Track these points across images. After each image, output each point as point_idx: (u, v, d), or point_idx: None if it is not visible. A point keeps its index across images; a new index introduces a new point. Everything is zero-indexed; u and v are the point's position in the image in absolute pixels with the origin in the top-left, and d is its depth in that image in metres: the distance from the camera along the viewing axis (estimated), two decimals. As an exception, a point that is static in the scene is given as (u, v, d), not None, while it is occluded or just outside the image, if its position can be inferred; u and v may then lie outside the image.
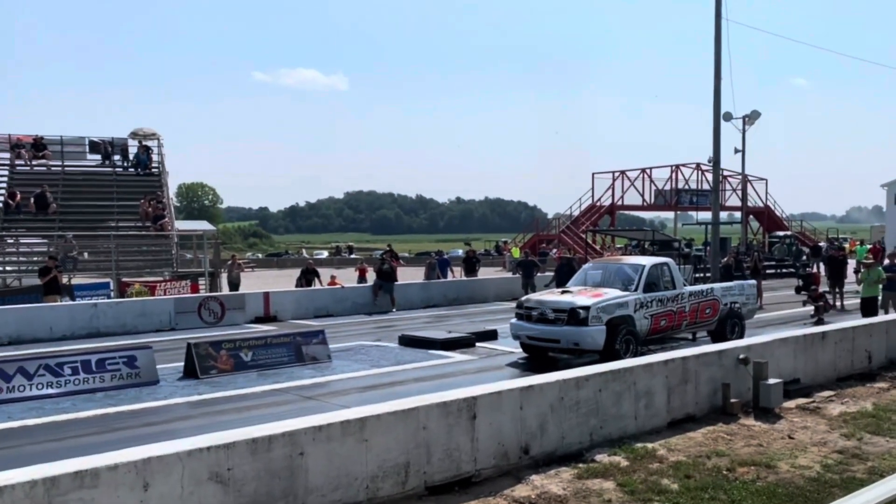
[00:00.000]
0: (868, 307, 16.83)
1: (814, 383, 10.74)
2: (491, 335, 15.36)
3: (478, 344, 14.62)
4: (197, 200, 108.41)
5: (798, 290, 22.56)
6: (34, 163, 27.42)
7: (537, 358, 13.20)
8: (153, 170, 28.99)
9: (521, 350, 13.66)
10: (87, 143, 28.91)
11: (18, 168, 26.91)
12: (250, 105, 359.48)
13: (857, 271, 20.16)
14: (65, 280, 19.98)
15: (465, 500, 6.42)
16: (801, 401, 9.94)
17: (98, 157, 28.78)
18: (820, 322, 16.68)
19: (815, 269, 28.18)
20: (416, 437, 6.51)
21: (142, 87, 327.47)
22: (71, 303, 18.42)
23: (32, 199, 24.42)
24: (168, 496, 5.16)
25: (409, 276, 27.97)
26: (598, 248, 39.37)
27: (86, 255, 23.50)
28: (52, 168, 27.70)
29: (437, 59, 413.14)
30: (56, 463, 4.93)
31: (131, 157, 29.10)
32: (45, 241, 23.23)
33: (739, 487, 6.67)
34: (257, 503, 5.59)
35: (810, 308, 18.46)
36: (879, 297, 17.17)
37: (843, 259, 22.09)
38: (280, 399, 10.38)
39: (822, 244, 36.43)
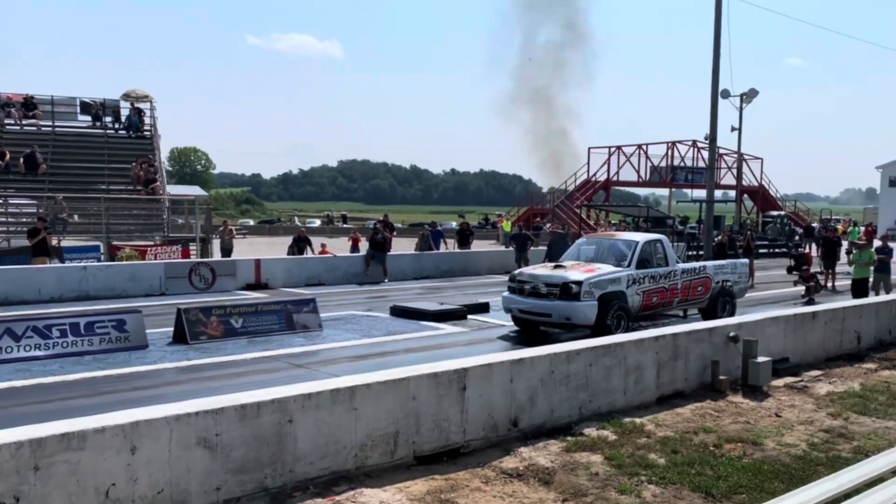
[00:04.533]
0: (859, 288, 16.92)
1: (802, 362, 10.79)
2: (483, 308, 15.35)
3: (469, 316, 14.61)
4: (189, 165, 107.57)
5: (790, 269, 22.62)
6: (24, 122, 27.03)
7: (528, 331, 13.20)
8: (145, 133, 28.63)
9: (512, 323, 13.64)
10: (78, 103, 28.55)
11: (8, 127, 26.52)
12: (244, 70, 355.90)
13: (849, 252, 20.23)
14: (54, 242, 19.80)
15: (454, 471, 6.42)
16: (790, 379, 9.99)
17: (89, 118, 28.43)
18: (811, 302, 16.74)
19: (807, 250, 28.31)
20: (405, 407, 6.50)
21: (134, 49, 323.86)
22: (60, 265, 18.27)
23: (22, 160, 24.11)
24: (155, 460, 5.15)
25: (402, 246, 27.91)
26: (591, 223, 39.35)
27: (76, 217, 23.28)
28: (43, 128, 27.30)
29: (432, 30, 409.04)
30: (43, 424, 4.90)
31: (123, 119, 28.77)
32: (35, 202, 22.97)
33: (725, 463, 6.71)
34: (245, 469, 5.58)
35: (801, 288, 18.52)
36: (870, 279, 17.26)
37: (837, 240, 22.19)
38: (269, 366, 10.36)
39: (814, 225, 36.52)
